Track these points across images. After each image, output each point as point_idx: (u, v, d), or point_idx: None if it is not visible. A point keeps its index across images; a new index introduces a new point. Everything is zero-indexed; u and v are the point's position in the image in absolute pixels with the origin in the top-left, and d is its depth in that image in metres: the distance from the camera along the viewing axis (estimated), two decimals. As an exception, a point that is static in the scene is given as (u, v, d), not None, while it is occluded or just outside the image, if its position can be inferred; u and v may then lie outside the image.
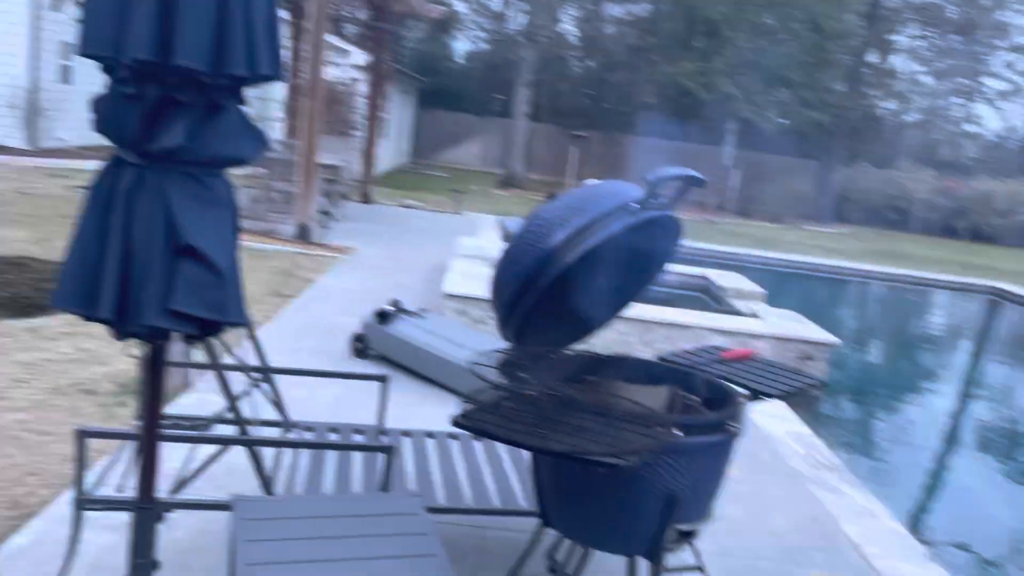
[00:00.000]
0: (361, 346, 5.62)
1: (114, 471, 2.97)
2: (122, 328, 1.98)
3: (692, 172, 2.39)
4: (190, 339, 2.14)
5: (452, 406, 4.94)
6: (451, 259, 10.11)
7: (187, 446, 3.53)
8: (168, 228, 1.95)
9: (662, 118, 29.34)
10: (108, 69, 1.95)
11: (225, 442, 2.67)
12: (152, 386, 2.16)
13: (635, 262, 2.65)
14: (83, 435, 2.55)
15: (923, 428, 7.20)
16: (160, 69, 1.86)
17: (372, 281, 8.37)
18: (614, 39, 31.34)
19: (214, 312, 2.02)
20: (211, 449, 3.78)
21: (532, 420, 2.11)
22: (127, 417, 4.23)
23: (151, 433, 2.16)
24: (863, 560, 3.66)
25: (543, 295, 2.48)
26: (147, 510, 2.21)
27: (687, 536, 2.50)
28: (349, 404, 4.81)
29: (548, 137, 28.23)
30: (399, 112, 25.47)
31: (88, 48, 1.85)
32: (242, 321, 2.12)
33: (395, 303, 5.66)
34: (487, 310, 6.68)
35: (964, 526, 5.07)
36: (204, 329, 2.09)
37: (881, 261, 17.55)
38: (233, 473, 3.67)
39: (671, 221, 2.56)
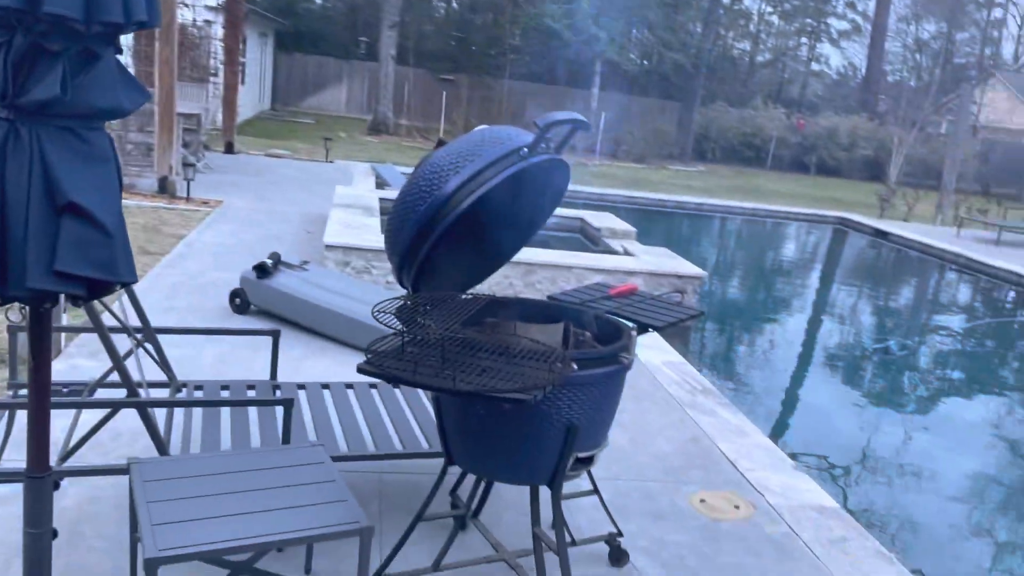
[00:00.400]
0: (240, 302, 5.47)
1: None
2: (3, 293, 1.88)
3: (578, 116, 2.46)
4: (76, 300, 2.04)
5: (341, 358, 4.95)
6: (327, 209, 9.91)
7: (67, 414, 3.39)
8: (47, 185, 1.85)
9: (529, 60, 29.38)
10: (-34, 15, 1.80)
11: (119, 405, 2.58)
12: (40, 352, 2.06)
13: (526, 206, 2.72)
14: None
15: (783, 351, 7.76)
16: (27, 17, 1.74)
17: (245, 234, 8.10)
18: (478, -21, 30.92)
19: (103, 271, 1.94)
20: (93, 416, 3.64)
21: (437, 363, 2.16)
22: (-7, 388, 3.98)
23: (42, 400, 2.07)
24: (739, 474, 3.97)
25: (439, 241, 2.52)
26: (41, 479, 2.13)
27: (585, 463, 2.64)
28: (234, 361, 4.71)
29: (416, 81, 27.74)
30: (257, 56, 24.31)
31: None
32: (132, 279, 2.05)
33: (275, 256, 5.53)
34: (369, 260, 6.63)
35: (820, 438, 5.55)
36: (92, 290, 2.01)
37: (739, 197, 18.48)
38: (118, 438, 3.56)
39: (559, 165, 2.64)
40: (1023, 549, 4.32)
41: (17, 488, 2.74)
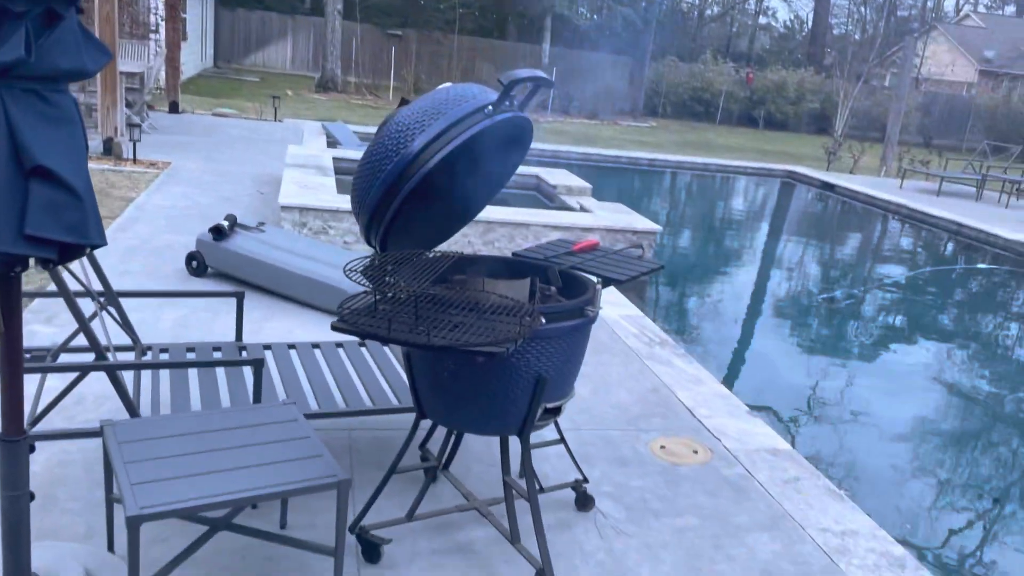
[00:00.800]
0: (197, 264, 5.42)
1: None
2: (-27, 258, 1.87)
3: (541, 74, 2.50)
4: (46, 264, 2.04)
5: (303, 318, 4.95)
6: (279, 169, 9.76)
7: (31, 380, 3.36)
8: (14, 149, 1.84)
9: (478, 16, 29.00)
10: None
11: (90, 368, 2.58)
12: (10, 316, 2.06)
13: (491, 164, 2.76)
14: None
15: (735, 302, 7.96)
16: (-13, -24, 1.71)
17: (197, 196, 7.96)
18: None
19: (74, 234, 1.94)
20: (58, 381, 3.61)
21: (410, 320, 2.21)
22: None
23: (15, 365, 2.07)
24: (697, 420, 4.12)
25: (406, 199, 2.55)
26: (17, 443, 2.14)
27: (553, 413, 2.73)
28: (194, 324, 4.69)
29: (364, 37, 27.19)
30: (199, 12, 23.55)
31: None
32: (102, 242, 2.05)
33: (231, 218, 5.47)
34: (326, 220, 6.60)
35: (772, 385, 5.75)
36: (62, 253, 2.01)
37: (690, 152, 18.65)
38: (82, 402, 3.55)
39: (524, 122, 2.67)
40: (961, 486, 4.57)
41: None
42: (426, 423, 3.76)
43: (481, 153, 2.66)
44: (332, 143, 11.42)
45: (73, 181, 1.93)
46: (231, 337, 4.51)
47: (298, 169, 8.00)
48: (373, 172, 2.52)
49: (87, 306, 4.32)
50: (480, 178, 2.81)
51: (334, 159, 8.88)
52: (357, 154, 9.41)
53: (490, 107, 2.52)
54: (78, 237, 1.95)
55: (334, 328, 2.09)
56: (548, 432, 3.80)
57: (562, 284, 2.82)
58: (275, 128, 13.91)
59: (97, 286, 3.29)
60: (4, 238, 1.86)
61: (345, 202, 6.64)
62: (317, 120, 15.42)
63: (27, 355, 3.23)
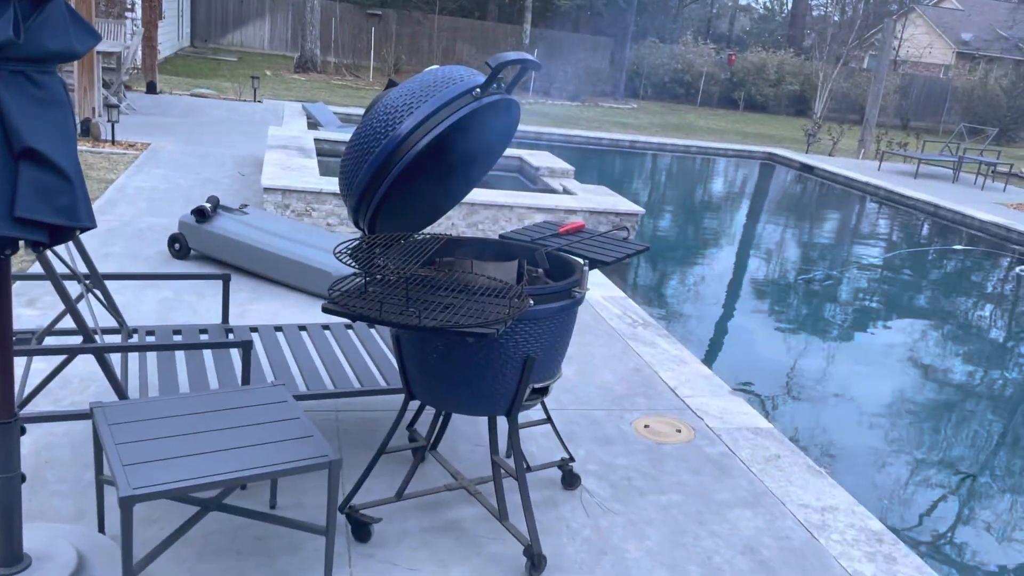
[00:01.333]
0: (180, 247, 5.39)
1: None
2: (-37, 241, 1.86)
3: (529, 56, 2.51)
4: (36, 246, 2.04)
5: (289, 300, 4.95)
6: (260, 150, 9.70)
7: (18, 362, 3.35)
8: (3, 131, 1.83)
9: (459, -5, 28.77)
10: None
11: (80, 351, 2.58)
12: (1, 300, 2.06)
13: (478, 147, 2.77)
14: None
15: (717, 284, 8.03)
16: (-26, -45, 1.70)
17: (177, 179, 7.90)
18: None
19: (65, 217, 1.94)
20: (43, 364, 3.60)
21: (401, 302, 2.23)
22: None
23: (5, 348, 2.07)
24: (680, 400, 4.18)
25: (395, 182, 2.56)
26: (9, 424, 2.15)
27: (541, 393, 2.77)
28: (178, 306, 4.68)
29: (342, 16, 26.93)
30: (175, -10, 23.17)
31: None
32: (92, 224, 2.05)
33: (213, 200, 5.45)
34: (309, 202, 6.58)
35: (753, 365, 5.83)
36: (52, 236, 2.01)
37: (671, 134, 18.70)
38: (67, 385, 3.54)
39: (511, 105, 2.69)
40: (937, 463, 4.67)
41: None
42: (414, 404, 3.79)
43: (468, 135, 2.67)
44: (313, 124, 11.33)
45: (63, 163, 1.93)
46: (216, 319, 4.51)
47: (279, 151, 7.95)
48: (362, 154, 2.53)
49: (71, 288, 4.30)
50: (467, 161, 2.82)
51: (316, 140, 8.83)
52: (339, 135, 9.36)
53: (478, 89, 2.53)
54: (68, 219, 1.95)
55: (325, 310, 2.11)
56: (534, 412, 3.84)
57: (549, 266, 2.84)
58: (255, 109, 13.78)
59: (82, 268, 3.28)
60: (-5, 221, 1.86)
61: (328, 184, 6.62)
62: (297, 101, 15.29)
63: (13, 337, 3.23)
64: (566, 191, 7.88)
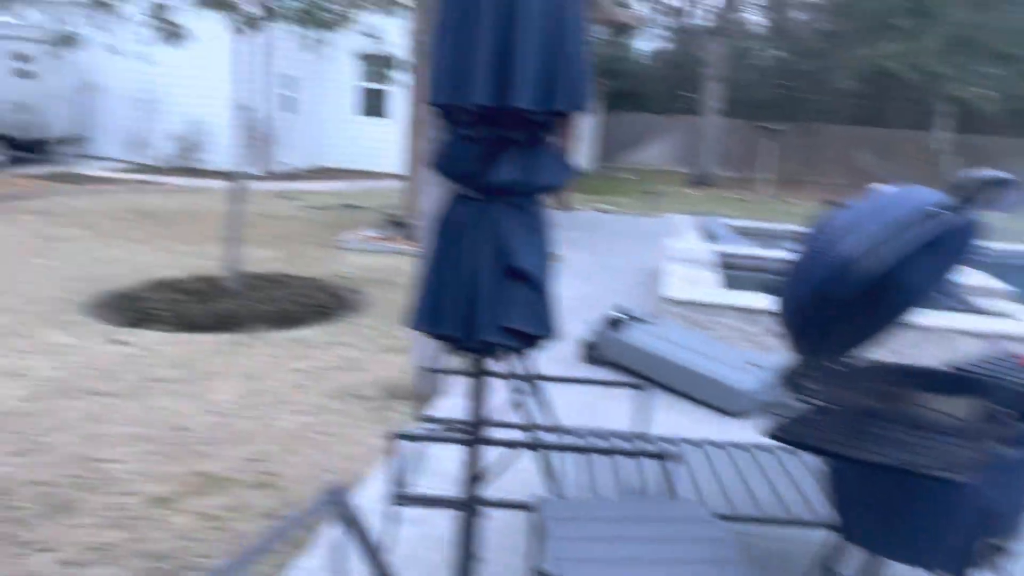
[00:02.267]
0: (593, 353, 5.76)
1: (399, 470, 3.26)
2: (463, 343, 2.20)
3: (1001, 173, 2.30)
4: (510, 351, 2.33)
5: (694, 416, 4.98)
6: (659, 263, 10.11)
7: (458, 449, 3.80)
8: (501, 254, 2.15)
9: (858, 104, 27.69)
10: (446, 114, 2.18)
11: (526, 446, 2.87)
12: (477, 394, 2.38)
13: (928, 271, 2.59)
14: (398, 437, 2.83)
15: None
16: (496, 112, 2.06)
17: (584, 287, 8.54)
18: (804, 25, 30.08)
19: (541, 328, 2.20)
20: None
21: (845, 432, 2.12)
22: (396, 419, 4.60)
23: (478, 437, 2.37)
24: None
25: (834, 306, 2.48)
26: (473, 507, 2.43)
27: (997, 551, 2.40)
28: (584, 409, 4.96)
29: (737, 132, 27.43)
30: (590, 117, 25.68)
31: (437, 98, 2.08)
32: (556, 335, 2.30)
33: (624, 310, 5.77)
34: (710, 315, 6.64)
35: None
36: (526, 343, 2.28)
37: None
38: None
39: (971, 227, 2.47)
40: None
41: (423, 512, 3.10)
42: (832, 541, 3.52)
43: (919, 260, 2.50)
44: (709, 237, 11.55)
45: (542, 280, 2.20)
46: (618, 426, 4.69)
47: (679, 263, 8.21)
48: (801, 276, 2.50)
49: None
50: (914, 285, 2.64)
51: (714, 253, 8.97)
52: (736, 248, 9.40)
53: (937, 209, 2.37)
54: (543, 330, 2.21)
55: (771, 436, 2.08)
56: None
57: (1019, 406, 2.50)
58: (653, 223, 14.50)
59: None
60: (487, 329, 2.17)
61: (727, 297, 6.63)
62: (692, 215, 15.76)
63: (460, 426, 3.68)
64: (1003, 314, 6.94)
